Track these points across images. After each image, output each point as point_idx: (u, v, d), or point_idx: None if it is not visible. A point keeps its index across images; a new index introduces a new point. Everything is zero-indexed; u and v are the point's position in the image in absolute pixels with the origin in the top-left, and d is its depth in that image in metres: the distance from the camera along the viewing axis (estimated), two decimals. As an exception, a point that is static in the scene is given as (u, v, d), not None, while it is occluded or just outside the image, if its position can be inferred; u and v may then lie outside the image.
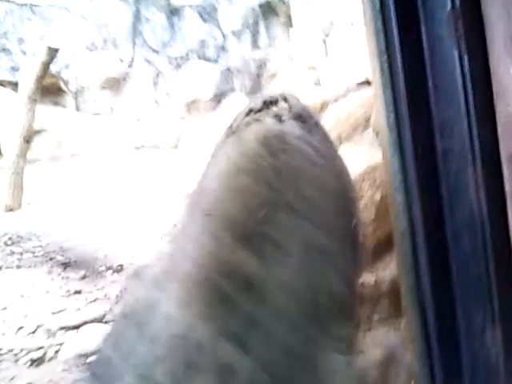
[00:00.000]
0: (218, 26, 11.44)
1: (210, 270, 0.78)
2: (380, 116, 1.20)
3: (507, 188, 0.76)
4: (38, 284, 3.54)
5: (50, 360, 1.96)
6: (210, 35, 11.40)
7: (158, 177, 7.89)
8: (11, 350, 2.15)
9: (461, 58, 0.82)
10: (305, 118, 1.26)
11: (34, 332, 2.46)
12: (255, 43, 11.78)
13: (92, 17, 10.64)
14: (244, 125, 1.17)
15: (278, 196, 0.90)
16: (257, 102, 1.32)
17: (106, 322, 2.32)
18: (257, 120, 1.18)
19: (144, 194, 6.93)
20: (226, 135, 1.20)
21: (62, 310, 2.84)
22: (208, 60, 11.64)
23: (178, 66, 11.49)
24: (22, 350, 2.11)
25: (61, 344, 2.06)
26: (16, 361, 2.03)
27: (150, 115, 11.60)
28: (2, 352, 2.13)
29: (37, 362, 1.95)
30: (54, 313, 2.81)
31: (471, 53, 0.82)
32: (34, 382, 1.80)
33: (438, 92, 0.85)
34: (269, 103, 1.27)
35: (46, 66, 6.06)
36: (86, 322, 2.23)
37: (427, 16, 0.85)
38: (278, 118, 1.20)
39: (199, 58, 11.57)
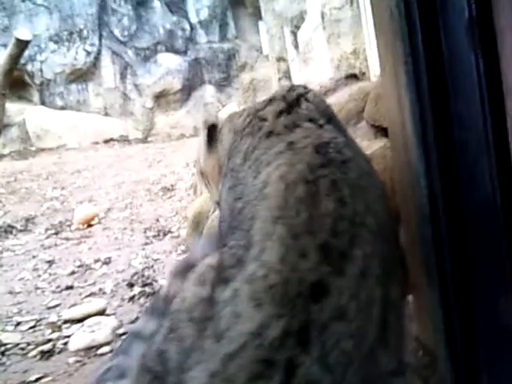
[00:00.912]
0: (187, 17, 11.37)
1: (282, 275, 0.82)
2: (392, 111, 1.31)
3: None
4: (26, 281, 3.54)
5: (60, 352, 2.00)
6: (178, 26, 11.32)
7: (126, 169, 7.83)
8: (17, 345, 2.17)
9: (477, 61, 0.93)
10: (333, 119, 1.25)
11: (34, 326, 2.49)
12: (224, 35, 11.77)
13: (57, 8, 10.38)
14: (283, 127, 1.13)
15: (348, 209, 0.92)
16: (279, 100, 1.25)
17: (108, 315, 2.37)
18: (296, 125, 1.13)
19: (113, 186, 6.88)
20: (262, 137, 1.15)
21: (57, 305, 2.87)
22: (176, 52, 11.56)
23: (146, 57, 11.37)
24: (28, 344, 2.14)
25: (68, 336, 2.11)
26: (24, 354, 2.07)
27: (118, 108, 11.46)
28: (8, 347, 2.16)
29: (47, 355, 1.99)
30: (49, 307, 2.84)
31: (485, 56, 0.93)
32: (48, 373, 1.84)
33: (456, 91, 0.96)
34: (294, 102, 1.21)
35: (14, 59, 5.91)
36: (89, 315, 2.28)
37: (446, 24, 0.97)
38: (315, 121, 1.16)
39: (167, 49, 11.47)
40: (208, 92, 11.89)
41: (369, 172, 1.12)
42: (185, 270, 1.11)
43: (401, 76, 1.04)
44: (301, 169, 0.99)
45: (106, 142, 11.02)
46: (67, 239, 4.74)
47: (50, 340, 2.18)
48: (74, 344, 2.08)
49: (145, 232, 4.46)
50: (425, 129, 0.99)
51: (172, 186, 6.27)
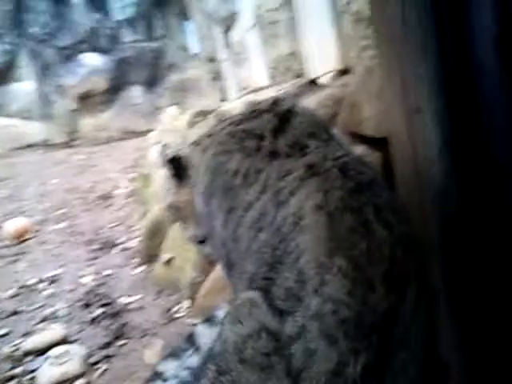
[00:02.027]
0: (110, 15, 10.90)
1: (353, 308, 0.78)
2: (395, 118, 1.30)
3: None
4: None
5: None
6: (102, 24, 10.82)
7: (54, 177, 7.38)
8: None
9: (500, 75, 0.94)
10: (331, 132, 1.20)
11: None
12: (150, 33, 11.43)
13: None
14: (287, 147, 1.05)
15: (396, 233, 0.87)
16: (267, 114, 1.16)
17: (71, 342, 2.17)
18: (303, 144, 1.05)
19: (42, 195, 6.45)
20: (265, 158, 1.06)
21: (7, 334, 2.60)
22: (101, 51, 11.04)
23: (68, 57, 10.76)
24: None
25: (34, 371, 1.91)
26: None
27: (39, 111, 10.75)
28: None
29: None
30: None
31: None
32: None
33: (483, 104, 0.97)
34: (285, 116, 1.13)
35: None
36: (51, 345, 2.08)
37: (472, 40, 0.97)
38: (318, 138, 1.09)
39: (91, 48, 10.93)
40: (136, 92, 11.50)
41: (384, 184, 1.10)
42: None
43: (416, 87, 1.05)
44: (339, 196, 0.93)
45: (28, 147, 10.31)
46: (0, 257, 4.35)
47: (13, 377, 1.96)
48: (43, 379, 1.89)
49: (88, 245, 4.19)
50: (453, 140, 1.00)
51: (109, 193, 5.97)
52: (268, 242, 0.96)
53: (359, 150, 1.99)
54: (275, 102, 1.31)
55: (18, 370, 2.03)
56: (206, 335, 1.52)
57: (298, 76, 4.58)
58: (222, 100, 8.95)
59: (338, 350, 0.79)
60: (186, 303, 2.35)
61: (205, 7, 8.76)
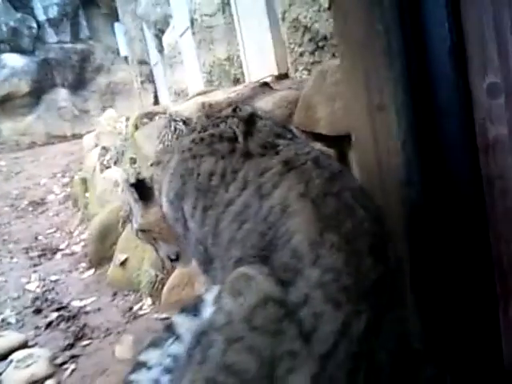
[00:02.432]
0: (33, 15, 10.42)
1: (351, 276, 0.89)
2: (357, 115, 1.46)
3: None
4: None
5: None
6: (24, 24, 10.32)
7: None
8: None
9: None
10: (292, 131, 1.31)
11: None
12: (76, 35, 11.06)
13: None
14: (259, 147, 1.15)
15: (372, 212, 1.02)
16: (232, 119, 1.24)
17: (31, 347, 2.12)
18: (273, 144, 1.16)
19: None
20: (241, 158, 1.14)
21: None
22: (22, 51, 10.52)
23: (-14, 57, 10.15)
24: None
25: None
26: None
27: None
28: None
29: None
30: None
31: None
32: None
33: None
34: (249, 120, 1.23)
35: None
36: (11, 350, 2.03)
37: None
38: (284, 137, 1.20)
39: (12, 49, 10.39)
40: (61, 95, 11.07)
41: (350, 172, 1.24)
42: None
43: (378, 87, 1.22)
44: (319, 184, 1.05)
45: None
46: None
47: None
48: (10, 383, 1.85)
49: (26, 252, 4.04)
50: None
51: (42, 199, 5.75)
52: (254, 230, 1.06)
53: (316, 147, 2.14)
54: (236, 107, 1.38)
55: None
56: (185, 324, 1.58)
57: (235, 80, 4.71)
58: (155, 103, 8.88)
59: (342, 313, 0.90)
60: (147, 301, 2.38)
61: (136, 9, 8.64)
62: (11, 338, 2.24)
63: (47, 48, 10.82)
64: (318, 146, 2.16)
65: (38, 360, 1.96)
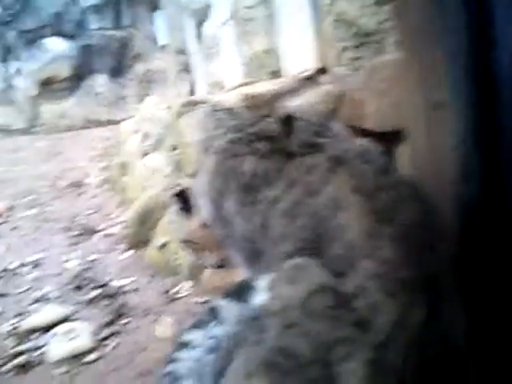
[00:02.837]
0: (77, 1, 10.63)
1: (406, 269, 0.91)
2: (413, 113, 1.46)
3: None
4: None
5: (38, 364, 1.83)
6: (67, 10, 10.55)
7: (18, 163, 7.18)
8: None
9: None
10: (332, 131, 1.29)
11: None
12: (117, 22, 11.23)
13: None
14: (301, 147, 1.16)
15: (421, 206, 1.03)
16: (270, 119, 1.27)
17: (72, 321, 2.20)
18: (313, 143, 1.16)
19: (6, 181, 6.28)
20: (284, 158, 1.15)
21: (-3, 314, 2.60)
22: (65, 36, 10.77)
23: (31, 41, 10.43)
24: None
25: (41, 347, 1.94)
26: None
27: (-3, 94, 10.36)
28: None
29: (24, 369, 1.81)
30: None
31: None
32: None
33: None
34: (286, 121, 1.24)
35: None
36: (54, 323, 2.12)
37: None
38: (324, 135, 1.21)
39: (55, 33, 10.64)
40: (99, 81, 11.29)
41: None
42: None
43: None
44: (370, 178, 1.07)
45: (-17, 131, 9.94)
46: (-30, 241, 4.25)
47: (21, 353, 1.99)
48: (54, 354, 1.93)
49: (66, 231, 4.16)
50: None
51: (80, 181, 5.90)
52: (306, 225, 1.08)
53: (361, 142, 2.14)
54: (272, 108, 1.41)
55: (24, 347, 2.05)
56: (228, 308, 1.62)
57: (273, 73, 4.71)
58: (191, 93, 8.97)
59: (398, 304, 0.91)
60: (186, 284, 2.44)
61: (176, -2, 8.71)
62: (54, 311, 2.34)
63: (89, 34, 11.03)
64: (364, 141, 2.16)
65: (80, 334, 2.04)
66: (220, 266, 1.62)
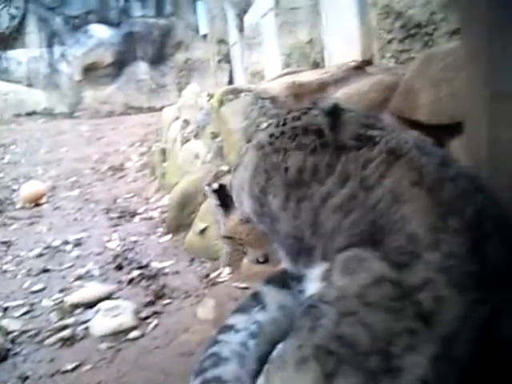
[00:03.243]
0: (122, -12, 10.82)
1: (476, 263, 0.89)
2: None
3: None
4: None
5: (82, 338, 1.89)
6: (112, -3, 10.75)
7: (60, 146, 7.38)
8: (23, 332, 2.01)
9: None
10: (383, 123, 1.25)
11: (28, 312, 2.32)
12: (160, 10, 11.36)
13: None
14: (353, 140, 1.13)
15: (487, 198, 1.02)
16: (315, 111, 1.21)
17: (115, 299, 2.26)
18: (367, 136, 1.12)
19: (49, 163, 6.46)
20: (334, 153, 1.12)
21: (43, 289, 2.67)
22: (109, 23, 10.97)
23: (76, 26, 10.67)
24: (38, 331, 2.00)
25: (85, 321, 2.00)
26: (39, 342, 1.92)
27: (42, 79, 10.66)
28: (15, 334, 1.98)
29: (69, 342, 1.87)
30: (34, 292, 2.64)
31: None
32: (82, 361, 1.73)
33: None
34: (334, 112, 1.18)
35: None
36: (98, 300, 2.19)
37: None
38: (375, 127, 1.16)
39: (99, 20, 10.85)
40: (141, 68, 11.47)
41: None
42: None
43: None
44: (431, 171, 1.03)
45: (29, 114, 10.25)
46: (15, 219, 4.40)
47: (66, 326, 2.05)
48: (98, 330, 1.98)
49: (107, 213, 4.26)
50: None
51: (121, 165, 6.02)
52: (362, 218, 1.05)
53: (412, 134, 2.09)
54: (316, 99, 1.35)
55: (69, 321, 2.11)
56: (270, 294, 1.62)
57: (315, 64, 4.66)
58: (229, 83, 8.98)
59: (465, 298, 0.89)
60: (225, 270, 2.46)
61: (218, -12, 8.72)
62: (97, 288, 2.40)
63: (132, 21, 11.20)
64: (415, 134, 2.11)
65: (123, 311, 2.08)
66: (263, 262, 1.60)
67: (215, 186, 1.47)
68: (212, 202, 1.52)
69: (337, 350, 0.91)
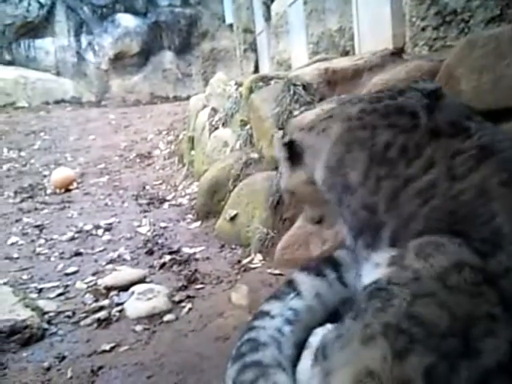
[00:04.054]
0: (148, -22, 10.84)
1: None
2: None
3: None
4: (20, 246, 3.31)
5: (118, 320, 1.91)
6: (147, -14, 10.77)
7: (88, 133, 7.47)
8: (59, 313, 2.04)
9: None
10: (479, 117, 1.23)
11: (63, 293, 2.36)
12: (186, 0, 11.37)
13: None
14: (448, 126, 1.13)
15: None
16: (413, 94, 1.23)
17: (148, 283, 2.28)
18: (462, 126, 1.14)
19: (78, 150, 6.54)
20: (426, 135, 1.12)
21: (76, 272, 2.71)
22: (136, 13, 11.01)
23: (104, 16, 10.75)
24: (74, 312, 2.04)
25: (120, 304, 2.03)
26: (75, 323, 1.95)
27: (70, 67, 10.79)
28: (51, 315, 2.02)
29: (105, 323, 1.89)
30: (67, 274, 2.68)
31: None
32: (119, 342, 1.75)
33: None
34: (432, 96, 1.21)
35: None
36: (131, 283, 2.22)
37: None
38: (471, 119, 1.18)
39: (126, 9, 10.90)
40: (167, 58, 11.51)
41: None
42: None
43: None
44: None
45: (57, 102, 10.39)
46: (46, 203, 4.47)
47: (101, 308, 2.07)
48: (133, 312, 2.00)
49: (136, 199, 4.30)
50: None
51: (148, 153, 6.07)
52: (442, 207, 1.07)
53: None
54: (416, 81, 1.34)
55: (104, 303, 2.14)
56: (305, 282, 1.61)
57: (344, 53, 4.58)
58: (255, 72, 8.93)
59: None
60: (257, 256, 2.45)
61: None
62: (131, 272, 2.42)
63: (159, 11, 11.22)
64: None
65: (157, 295, 2.10)
66: (318, 222, 1.60)
67: (286, 139, 1.47)
68: (280, 154, 1.50)
69: (409, 329, 0.90)
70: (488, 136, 1.11)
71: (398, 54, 2.81)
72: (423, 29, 3.31)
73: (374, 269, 1.10)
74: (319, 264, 1.59)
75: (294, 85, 3.03)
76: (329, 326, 1.35)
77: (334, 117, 1.37)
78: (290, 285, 1.58)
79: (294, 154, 1.44)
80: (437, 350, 0.86)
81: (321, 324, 1.44)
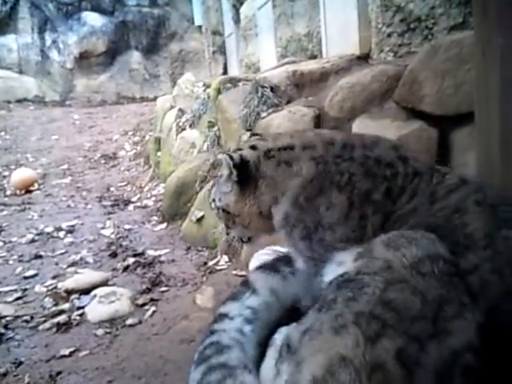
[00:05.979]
0: (116, -24, 10.66)
1: None
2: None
3: None
4: None
5: (78, 324, 1.85)
6: (106, -16, 10.59)
7: (51, 133, 7.27)
8: (16, 318, 1.96)
9: None
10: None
11: (21, 297, 2.28)
12: (154, 0, 11.24)
13: None
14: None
15: None
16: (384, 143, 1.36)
17: (110, 286, 2.21)
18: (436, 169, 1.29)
19: (40, 150, 6.36)
20: (409, 175, 1.24)
21: (35, 275, 2.62)
22: (103, 11, 10.81)
23: (69, 14, 10.50)
24: (32, 317, 1.95)
25: (81, 307, 1.96)
26: (33, 327, 1.87)
27: (34, 66, 10.48)
28: (8, 319, 1.93)
29: (64, 327, 1.82)
30: (26, 277, 2.59)
31: None
32: (79, 346, 1.68)
33: None
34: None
35: None
36: (93, 286, 2.14)
37: None
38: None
39: (93, 7, 10.69)
40: (134, 58, 11.34)
41: None
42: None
43: None
44: (493, 196, 1.17)
45: (19, 101, 10.08)
46: (5, 205, 4.32)
47: (61, 311, 2.01)
48: (94, 315, 1.94)
49: (100, 201, 4.20)
50: None
51: (113, 154, 5.95)
52: (422, 222, 1.15)
53: (417, 125, 2.09)
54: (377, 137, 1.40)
55: (64, 306, 2.07)
56: (260, 279, 1.60)
57: (312, 57, 4.62)
58: (223, 75, 8.91)
59: (505, 282, 0.98)
60: (223, 258, 2.43)
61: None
62: (93, 275, 2.36)
63: (126, 10, 11.06)
64: (419, 124, 2.10)
65: (120, 298, 2.05)
66: (245, 242, 1.59)
67: (237, 158, 1.32)
68: (224, 172, 1.35)
69: (382, 315, 0.92)
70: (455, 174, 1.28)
71: (364, 58, 2.84)
72: (389, 35, 3.37)
73: (337, 267, 1.12)
74: (274, 261, 1.60)
75: (262, 87, 3.03)
76: (294, 324, 1.34)
77: (295, 149, 1.35)
78: (246, 284, 1.57)
79: (245, 175, 1.33)
80: (407, 333, 0.89)
81: (280, 320, 1.44)
